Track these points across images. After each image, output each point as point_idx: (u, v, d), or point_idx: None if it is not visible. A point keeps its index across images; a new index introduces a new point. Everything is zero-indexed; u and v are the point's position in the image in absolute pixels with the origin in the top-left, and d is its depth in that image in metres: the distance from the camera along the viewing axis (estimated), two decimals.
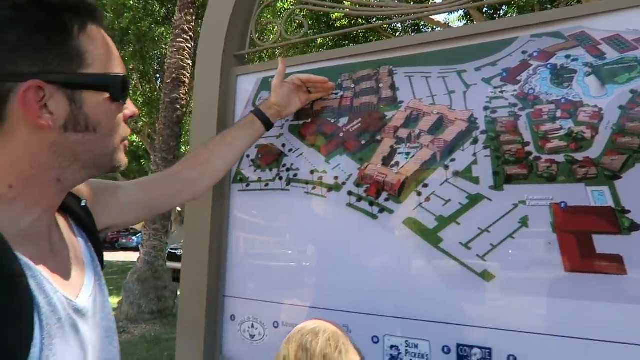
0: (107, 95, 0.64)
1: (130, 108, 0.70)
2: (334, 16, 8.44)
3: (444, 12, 1.43)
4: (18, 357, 0.52)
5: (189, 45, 7.61)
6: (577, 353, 1.01)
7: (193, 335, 1.48)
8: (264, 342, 1.41)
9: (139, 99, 13.48)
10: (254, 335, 1.43)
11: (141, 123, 14.28)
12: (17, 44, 0.56)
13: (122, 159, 0.70)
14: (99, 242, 0.81)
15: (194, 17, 7.81)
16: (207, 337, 1.47)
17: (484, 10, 8.52)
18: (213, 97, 1.54)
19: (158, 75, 13.72)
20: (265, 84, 1.53)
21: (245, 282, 1.48)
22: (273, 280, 1.43)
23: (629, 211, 0.99)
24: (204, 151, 1.21)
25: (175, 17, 7.76)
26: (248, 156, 1.51)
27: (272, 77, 1.48)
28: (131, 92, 12.40)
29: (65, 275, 0.66)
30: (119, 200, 0.95)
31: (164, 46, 11.20)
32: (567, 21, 1.11)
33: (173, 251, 10.62)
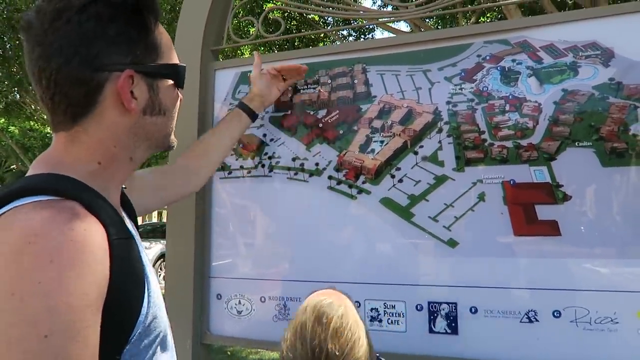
0: (172, 82, 0.74)
1: (181, 94, 0.81)
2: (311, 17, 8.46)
3: (408, 18, 1.63)
4: (141, 301, 0.63)
5: None
6: (523, 299, 1.26)
7: (180, 316, 1.56)
8: (251, 316, 1.53)
9: None
10: (241, 311, 1.55)
11: None
12: (116, 38, 0.65)
13: (175, 140, 0.81)
14: (136, 221, 0.90)
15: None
16: (194, 317, 1.56)
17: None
18: (193, 91, 1.62)
19: None
20: (243, 79, 1.63)
21: (230, 262, 1.59)
22: (258, 259, 1.55)
23: (562, 185, 1.24)
24: (200, 145, 1.33)
25: None
26: None
27: (250, 71, 1.60)
28: None
29: None
30: (136, 185, 1.04)
31: None
32: (512, 31, 1.35)
33: None
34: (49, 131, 15.08)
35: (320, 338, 0.94)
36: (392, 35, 7.72)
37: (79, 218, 0.57)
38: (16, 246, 0.53)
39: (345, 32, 9.33)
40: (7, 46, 9.05)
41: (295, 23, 8.51)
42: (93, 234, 0.57)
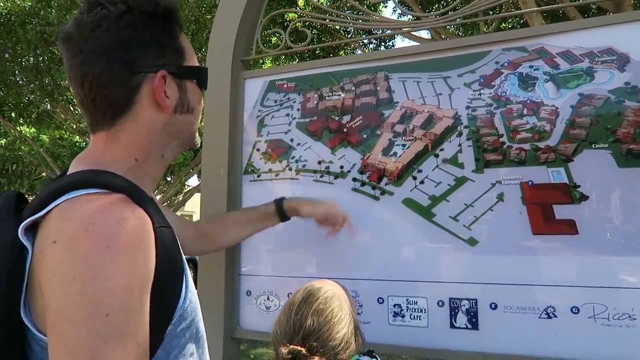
0: (196, 83, 0.82)
1: (203, 95, 0.89)
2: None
3: (429, 28, 1.70)
4: (180, 286, 0.70)
5: None
6: (541, 296, 1.30)
7: (212, 312, 1.65)
8: (279, 311, 1.60)
9: None
10: (270, 307, 1.63)
11: (84, 124, 13.74)
12: (150, 43, 0.73)
13: (199, 139, 0.89)
14: None
15: None
16: (225, 313, 1.65)
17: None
18: (224, 100, 1.72)
19: None
20: (271, 87, 1.73)
21: (259, 261, 1.67)
22: (285, 258, 1.63)
23: (579, 186, 1.29)
24: (223, 220, 1.46)
25: None
26: (258, 150, 1.71)
27: (278, 80, 1.69)
28: None
29: None
30: None
31: None
32: (530, 39, 1.40)
33: None
34: (78, 140, 15.55)
35: (303, 314, 1.02)
36: (412, 41, 7.78)
37: (129, 208, 0.63)
38: (75, 234, 0.58)
39: (366, 40, 9.43)
40: (40, 59, 9.41)
41: (315, 32, 8.65)
42: (142, 222, 0.63)
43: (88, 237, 0.58)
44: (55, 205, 0.62)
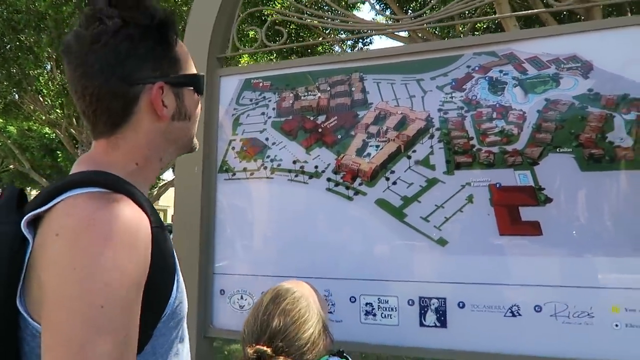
0: (193, 90, 0.83)
1: (200, 100, 0.90)
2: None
3: (405, 29, 1.73)
4: (171, 285, 0.71)
5: None
6: (507, 295, 1.35)
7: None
8: None
9: (55, 89, 12.58)
10: (243, 305, 1.63)
11: (54, 115, 13.37)
12: (146, 55, 0.75)
13: (197, 142, 0.90)
14: None
15: None
16: (199, 312, 1.64)
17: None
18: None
19: None
20: (247, 85, 1.72)
21: (233, 260, 1.68)
22: (259, 257, 1.64)
23: (544, 188, 1.34)
24: None
25: None
26: (233, 148, 1.71)
27: (254, 78, 1.69)
28: (44, 81, 11.47)
29: None
30: None
31: None
32: (500, 44, 1.44)
33: None
34: (48, 131, 15.11)
35: (270, 315, 1.03)
36: (390, 40, 7.83)
37: (129, 207, 0.66)
38: (77, 229, 0.61)
39: (343, 35, 9.46)
40: (7, 47, 9.09)
41: (294, 27, 8.63)
42: (141, 222, 0.66)
43: (89, 232, 0.61)
44: (59, 202, 0.65)
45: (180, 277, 0.75)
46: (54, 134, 15.16)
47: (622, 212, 1.28)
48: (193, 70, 0.85)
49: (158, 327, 0.70)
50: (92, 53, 0.72)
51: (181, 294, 0.75)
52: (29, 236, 0.64)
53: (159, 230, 0.70)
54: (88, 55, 0.72)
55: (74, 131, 11.97)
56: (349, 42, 9.33)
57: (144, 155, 0.79)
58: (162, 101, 0.77)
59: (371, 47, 11.45)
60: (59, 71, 12.58)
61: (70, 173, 0.75)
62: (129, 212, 0.66)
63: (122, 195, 0.68)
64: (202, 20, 1.75)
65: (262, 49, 1.74)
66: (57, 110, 13.04)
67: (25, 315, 0.63)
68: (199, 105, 0.87)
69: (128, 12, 0.74)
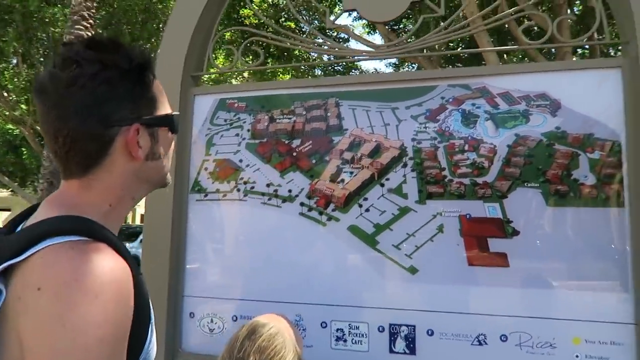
0: (167, 129, 0.82)
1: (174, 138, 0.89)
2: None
3: (385, 58, 1.74)
4: (147, 329, 0.71)
5: (89, 34, 7.16)
6: (474, 324, 1.38)
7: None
8: (223, 334, 1.60)
9: (20, 85, 12.14)
10: (213, 329, 1.61)
11: (19, 112, 12.89)
12: (124, 97, 0.74)
13: (170, 178, 0.89)
14: None
15: (94, 4, 7.36)
16: (167, 335, 1.61)
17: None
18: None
19: (42, 60, 12.47)
20: (221, 105, 1.71)
21: (204, 282, 1.65)
22: (231, 280, 1.62)
23: (512, 221, 1.38)
24: None
25: (73, 2, 7.24)
26: (206, 169, 1.68)
27: (229, 99, 1.68)
28: (9, 77, 11.04)
29: None
30: None
31: (52, 29, 10.27)
32: (473, 77, 1.48)
33: None
34: (11, 127, 14.54)
35: (245, 352, 1.01)
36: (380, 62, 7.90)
37: (113, 258, 0.66)
38: (62, 284, 0.60)
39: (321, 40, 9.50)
40: None
41: (271, 31, 8.62)
42: (125, 273, 0.66)
43: (76, 287, 0.60)
44: (36, 252, 0.63)
45: (152, 320, 0.74)
46: (19, 130, 14.60)
47: (584, 247, 1.33)
48: (167, 108, 0.84)
49: None
50: (69, 95, 0.70)
51: (153, 337, 0.74)
52: (1, 286, 0.62)
53: (140, 277, 0.70)
54: (64, 97, 0.71)
55: (39, 128, 11.59)
56: (326, 58, 9.36)
57: (117, 195, 0.78)
58: (137, 142, 0.76)
59: (356, 72, 11.37)
60: (25, 66, 12.16)
61: (40, 214, 0.73)
62: (113, 264, 0.65)
63: (103, 244, 0.67)
64: (177, 37, 1.72)
65: (238, 68, 1.73)
66: (22, 106, 12.59)
67: None
68: (173, 144, 0.87)
69: (107, 56, 0.73)
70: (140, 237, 9.54)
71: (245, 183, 1.63)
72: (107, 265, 0.64)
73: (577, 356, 1.30)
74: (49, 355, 0.58)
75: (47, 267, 0.62)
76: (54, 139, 0.73)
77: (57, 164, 0.77)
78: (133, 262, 0.71)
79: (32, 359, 0.59)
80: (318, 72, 9.58)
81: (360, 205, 1.51)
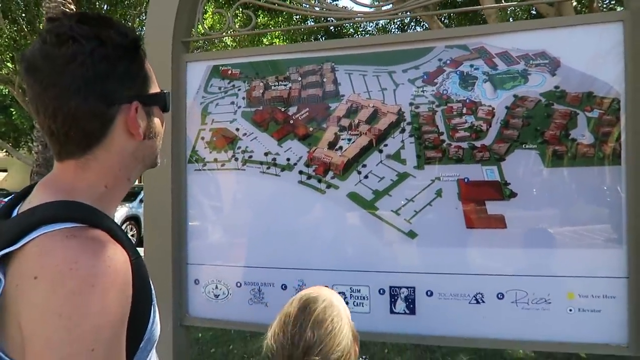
0: (159, 107, 0.82)
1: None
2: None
3: (380, 19, 1.69)
4: (149, 311, 0.72)
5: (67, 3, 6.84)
6: (472, 283, 1.42)
7: (160, 301, 1.65)
8: (228, 300, 1.65)
9: (4, 42, 11.75)
10: (219, 295, 1.66)
11: (5, 70, 12.55)
12: (123, 75, 0.73)
13: (159, 158, 0.88)
14: None
15: None
16: (174, 301, 1.66)
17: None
18: (165, 84, 1.64)
19: (24, 16, 11.99)
20: (215, 72, 1.67)
21: (207, 250, 1.68)
22: (234, 248, 1.65)
23: (509, 183, 1.39)
24: None
25: None
26: (203, 138, 1.67)
27: (222, 65, 1.64)
28: None
29: None
30: None
31: None
32: (471, 37, 1.44)
33: None
34: (0, 88, 14.19)
35: (302, 327, 0.97)
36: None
37: (109, 245, 0.66)
38: (60, 271, 0.60)
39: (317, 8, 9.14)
40: None
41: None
42: (122, 259, 0.66)
43: (73, 276, 0.60)
44: (32, 239, 0.63)
45: (154, 300, 0.75)
46: (7, 91, 14.29)
47: (580, 207, 1.35)
48: (157, 87, 0.83)
49: (137, 354, 0.71)
50: (69, 73, 0.68)
51: (156, 315, 0.76)
52: (0, 275, 0.63)
53: (138, 261, 0.70)
54: (63, 75, 0.69)
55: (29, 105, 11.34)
56: (328, 26, 8.96)
57: (114, 175, 0.77)
58: (136, 119, 0.76)
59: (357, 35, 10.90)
60: (6, 22, 11.69)
61: (35, 198, 0.72)
62: (111, 252, 0.65)
63: (99, 230, 0.67)
64: (165, 1, 1.65)
65: (229, 34, 1.67)
66: (9, 64, 12.24)
67: (0, 353, 0.63)
68: (164, 123, 0.86)
69: (103, 31, 0.71)
70: (140, 197, 9.56)
71: (243, 152, 1.63)
72: (104, 253, 0.64)
73: (570, 310, 1.36)
74: (45, 346, 0.59)
75: (43, 256, 0.62)
76: (52, 117, 0.71)
77: (52, 144, 0.75)
78: (130, 245, 0.71)
79: (30, 348, 0.60)
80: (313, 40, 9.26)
81: (359, 172, 1.51)
